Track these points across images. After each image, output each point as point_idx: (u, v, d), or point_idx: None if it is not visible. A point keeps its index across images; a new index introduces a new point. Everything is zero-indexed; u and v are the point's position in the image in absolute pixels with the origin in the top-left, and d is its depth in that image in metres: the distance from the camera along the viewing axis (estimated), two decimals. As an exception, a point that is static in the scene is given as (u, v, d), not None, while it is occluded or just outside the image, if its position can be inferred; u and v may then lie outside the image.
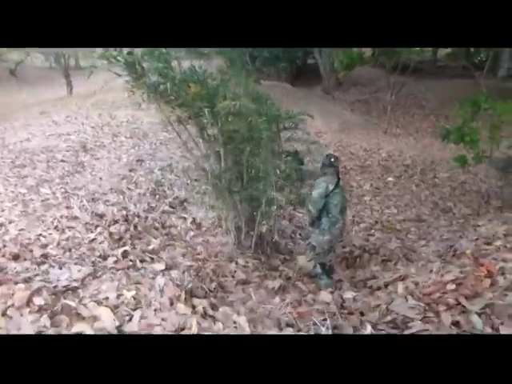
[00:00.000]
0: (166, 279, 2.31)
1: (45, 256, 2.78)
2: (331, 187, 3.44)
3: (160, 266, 2.90)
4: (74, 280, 2.47)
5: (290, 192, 3.95)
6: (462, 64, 20.90)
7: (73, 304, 2.11)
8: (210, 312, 2.06)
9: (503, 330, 2.31)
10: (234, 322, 1.97)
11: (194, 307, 2.11)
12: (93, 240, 3.15)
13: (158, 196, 4.79)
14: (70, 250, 2.92)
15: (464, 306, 2.63)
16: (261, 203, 3.67)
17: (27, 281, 2.31)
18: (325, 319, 2.58)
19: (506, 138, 7.49)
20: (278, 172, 3.50)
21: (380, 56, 16.33)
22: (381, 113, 16.07)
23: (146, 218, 3.93)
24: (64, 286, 2.37)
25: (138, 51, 3.21)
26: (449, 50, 22.45)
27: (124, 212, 3.83)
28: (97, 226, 3.37)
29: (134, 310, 2.09)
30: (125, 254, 2.98)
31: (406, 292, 3.02)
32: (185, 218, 4.23)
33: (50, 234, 3.22)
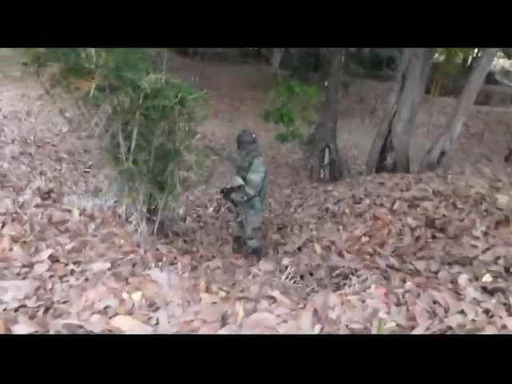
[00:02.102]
0: (167, 272, 2.04)
1: None
2: (265, 168, 3.54)
3: (104, 265, 2.49)
4: (26, 298, 1.92)
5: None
6: (240, 52, 23.14)
7: (75, 322, 1.69)
8: (240, 294, 1.97)
9: (418, 265, 3.00)
10: (272, 297, 1.95)
11: (216, 293, 1.97)
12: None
13: (12, 189, 3.86)
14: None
15: (379, 253, 3.25)
16: (167, 185, 3.49)
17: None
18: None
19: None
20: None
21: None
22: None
23: (26, 214, 3.18)
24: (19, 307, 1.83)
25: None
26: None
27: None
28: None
29: (155, 311, 1.82)
30: (54, 258, 2.42)
31: (325, 250, 3.48)
32: (69, 211, 3.58)
33: None
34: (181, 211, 3.83)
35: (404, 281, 2.55)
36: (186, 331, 1.69)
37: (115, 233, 3.43)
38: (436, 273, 2.72)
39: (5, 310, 1.81)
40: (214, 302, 1.88)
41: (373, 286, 2.17)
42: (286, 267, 3.16)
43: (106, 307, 1.81)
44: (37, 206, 3.57)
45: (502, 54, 18.11)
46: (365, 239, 3.39)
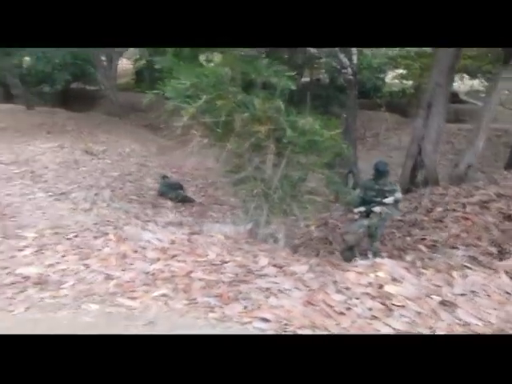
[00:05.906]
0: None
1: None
2: None
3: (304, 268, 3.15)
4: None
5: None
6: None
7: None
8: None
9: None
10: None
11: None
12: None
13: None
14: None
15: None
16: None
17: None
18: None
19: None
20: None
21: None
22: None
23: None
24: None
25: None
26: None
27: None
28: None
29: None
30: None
31: (430, 248, 4.26)
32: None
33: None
34: (312, 228, 4.53)
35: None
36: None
37: (262, 249, 4.07)
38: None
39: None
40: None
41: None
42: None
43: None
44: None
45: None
46: (464, 235, 4.20)
